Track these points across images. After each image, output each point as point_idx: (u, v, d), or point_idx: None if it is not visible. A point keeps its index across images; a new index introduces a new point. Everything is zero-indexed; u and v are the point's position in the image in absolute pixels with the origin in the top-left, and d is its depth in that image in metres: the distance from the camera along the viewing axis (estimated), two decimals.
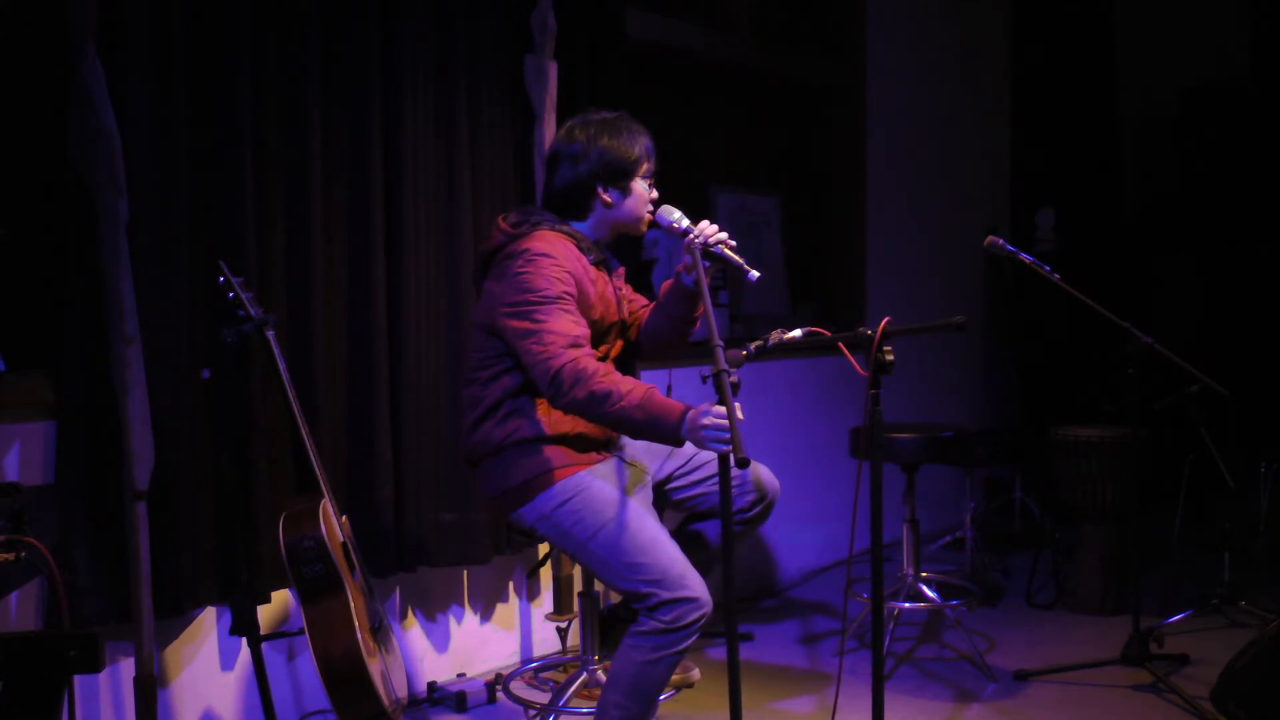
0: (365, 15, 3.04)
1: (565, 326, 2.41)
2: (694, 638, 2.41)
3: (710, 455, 2.68)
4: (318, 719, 3.04)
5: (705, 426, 2.21)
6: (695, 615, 2.38)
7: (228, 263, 2.64)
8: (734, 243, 2.57)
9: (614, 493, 2.50)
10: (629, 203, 2.64)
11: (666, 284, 2.76)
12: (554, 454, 2.53)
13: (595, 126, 2.63)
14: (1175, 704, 3.25)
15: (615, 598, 3.03)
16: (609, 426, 2.48)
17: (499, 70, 3.41)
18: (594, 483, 2.51)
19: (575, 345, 2.40)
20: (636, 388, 2.34)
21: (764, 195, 4.92)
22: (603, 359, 2.67)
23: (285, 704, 3.04)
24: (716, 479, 2.57)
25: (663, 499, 2.75)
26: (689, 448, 2.71)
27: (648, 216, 2.66)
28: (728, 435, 2.15)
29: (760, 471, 2.70)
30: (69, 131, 2.48)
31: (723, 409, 2.17)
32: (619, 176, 2.61)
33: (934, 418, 5.15)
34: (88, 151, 2.48)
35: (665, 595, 2.38)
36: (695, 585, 2.40)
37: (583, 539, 2.48)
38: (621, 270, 2.78)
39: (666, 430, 2.31)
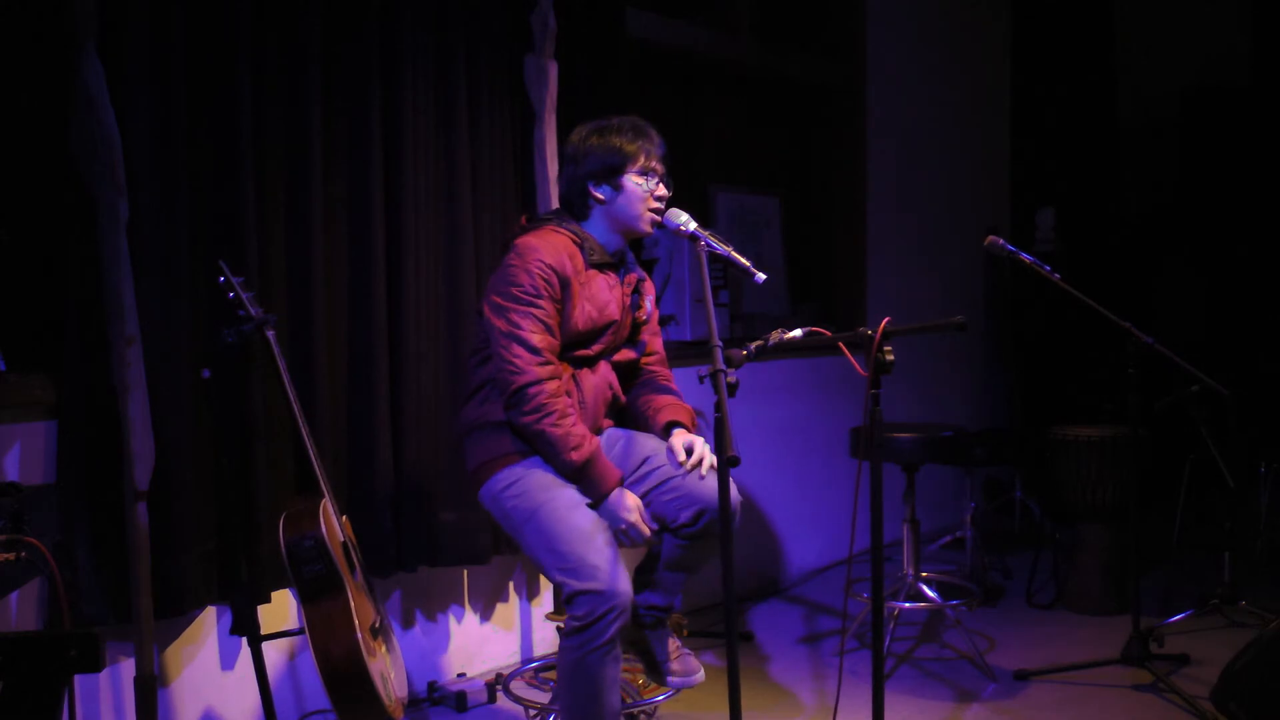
0: (365, 15, 3.04)
1: (538, 339, 2.48)
2: (610, 632, 2.34)
3: (665, 466, 2.59)
4: (318, 719, 3.04)
5: (621, 523, 2.47)
6: (604, 609, 2.33)
7: (228, 263, 2.64)
8: (745, 263, 2.47)
9: (558, 481, 2.51)
10: (622, 199, 2.63)
11: (664, 415, 2.69)
12: (516, 438, 2.56)
13: (592, 128, 2.68)
14: (1175, 704, 3.25)
15: None
16: (542, 455, 2.53)
17: (499, 70, 3.40)
18: (541, 468, 2.53)
19: (545, 363, 2.48)
20: (583, 446, 2.47)
21: (764, 195, 4.91)
22: (599, 356, 2.66)
23: (285, 704, 3.04)
24: (664, 488, 2.56)
25: None
26: (658, 470, 2.61)
27: (650, 215, 2.65)
28: (634, 539, 2.49)
29: (700, 484, 2.53)
30: (69, 131, 2.48)
31: (635, 502, 2.49)
32: (608, 173, 2.62)
33: (934, 418, 5.15)
34: (88, 151, 2.48)
35: (576, 586, 2.36)
36: (606, 578, 2.35)
37: (519, 522, 2.52)
38: (633, 276, 2.74)
39: (588, 495, 2.50)
